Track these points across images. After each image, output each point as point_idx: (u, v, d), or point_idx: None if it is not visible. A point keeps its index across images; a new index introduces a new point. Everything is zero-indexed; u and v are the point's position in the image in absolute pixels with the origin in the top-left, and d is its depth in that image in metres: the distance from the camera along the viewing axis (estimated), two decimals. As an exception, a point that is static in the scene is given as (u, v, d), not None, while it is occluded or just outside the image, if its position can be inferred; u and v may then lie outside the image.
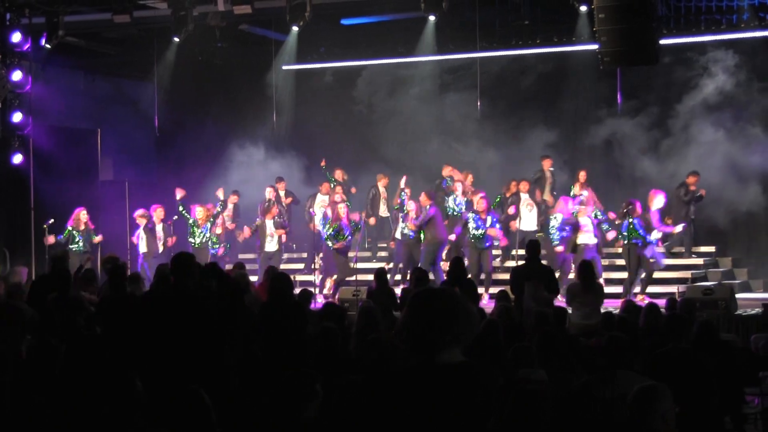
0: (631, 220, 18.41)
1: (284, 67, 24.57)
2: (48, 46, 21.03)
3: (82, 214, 20.35)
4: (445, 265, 18.69)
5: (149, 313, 9.16)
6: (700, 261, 20.72)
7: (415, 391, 4.47)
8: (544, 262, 15.96)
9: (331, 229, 19.95)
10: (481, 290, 17.88)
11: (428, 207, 19.71)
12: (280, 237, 21.44)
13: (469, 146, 23.72)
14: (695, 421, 8.57)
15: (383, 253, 23.06)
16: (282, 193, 23.07)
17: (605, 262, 20.25)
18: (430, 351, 4.49)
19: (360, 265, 20.64)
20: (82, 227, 20.27)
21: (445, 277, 17.84)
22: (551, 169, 22.18)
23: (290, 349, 9.72)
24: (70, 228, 20.14)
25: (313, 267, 21.67)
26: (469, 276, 16.64)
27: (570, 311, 13.76)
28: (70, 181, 22.59)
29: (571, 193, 20.60)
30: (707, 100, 21.83)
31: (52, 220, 20.70)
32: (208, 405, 5.76)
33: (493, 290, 18.05)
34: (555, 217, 19.60)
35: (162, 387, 6.72)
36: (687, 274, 19.94)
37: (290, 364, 8.31)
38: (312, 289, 16.78)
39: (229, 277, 12.22)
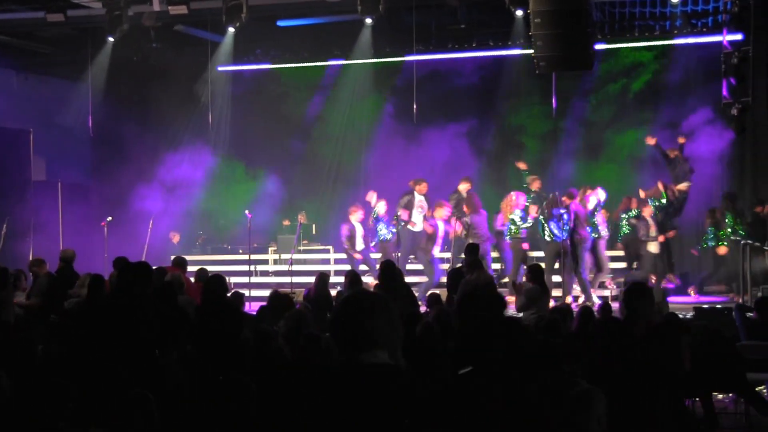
0: None
1: (220, 69, 24.46)
2: (-21, 44, 20.79)
3: (381, 205, 20.12)
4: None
5: (84, 319, 9.10)
6: (623, 264, 20.81)
7: (337, 391, 4.54)
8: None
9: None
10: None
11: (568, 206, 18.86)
12: None
13: (407, 150, 23.83)
14: (632, 424, 8.65)
15: None
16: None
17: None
18: (354, 351, 4.56)
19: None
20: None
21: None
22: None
23: (225, 351, 9.68)
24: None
25: None
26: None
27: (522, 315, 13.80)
28: (2, 181, 22.31)
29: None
30: (639, 102, 22.33)
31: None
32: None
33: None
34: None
35: (100, 390, 6.69)
36: (620, 278, 20.11)
37: (225, 366, 8.28)
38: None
39: (162, 278, 12.15)
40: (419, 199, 20.31)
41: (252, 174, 24.14)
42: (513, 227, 19.09)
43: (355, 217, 20.11)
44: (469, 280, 13.94)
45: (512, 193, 19.53)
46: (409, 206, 20.08)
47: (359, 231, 20.13)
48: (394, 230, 19.96)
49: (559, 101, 21.74)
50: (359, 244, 20.14)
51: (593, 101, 23.35)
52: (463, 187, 20.30)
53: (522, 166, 20.52)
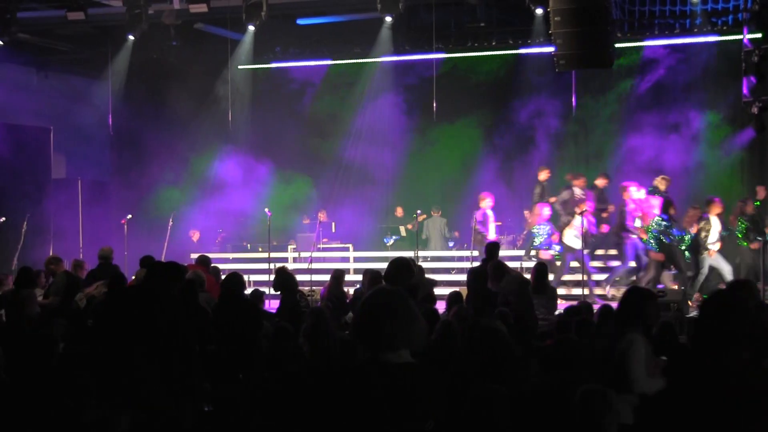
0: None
1: (240, 67, 24.48)
2: (0, 42, 20.82)
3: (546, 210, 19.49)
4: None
5: (106, 314, 9.11)
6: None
7: (357, 390, 4.52)
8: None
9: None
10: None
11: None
12: None
13: (427, 150, 23.85)
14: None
15: None
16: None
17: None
18: (374, 350, 4.55)
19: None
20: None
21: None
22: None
23: (243, 348, 9.69)
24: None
25: None
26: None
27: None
28: (22, 179, 22.38)
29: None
30: (655, 101, 22.29)
31: (3, 219, 20.52)
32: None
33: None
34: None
35: (120, 387, 6.69)
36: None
37: (243, 364, 8.29)
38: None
39: (185, 276, 12.16)
40: (579, 193, 20.18)
41: (271, 172, 24.11)
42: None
43: (486, 203, 19.93)
44: (509, 279, 13.78)
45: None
46: (570, 203, 19.88)
47: (491, 217, 19.92)
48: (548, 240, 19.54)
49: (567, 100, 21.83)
50: (491, 233, 19.83)
51: (604, 99, 23.23)
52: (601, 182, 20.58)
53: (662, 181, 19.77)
